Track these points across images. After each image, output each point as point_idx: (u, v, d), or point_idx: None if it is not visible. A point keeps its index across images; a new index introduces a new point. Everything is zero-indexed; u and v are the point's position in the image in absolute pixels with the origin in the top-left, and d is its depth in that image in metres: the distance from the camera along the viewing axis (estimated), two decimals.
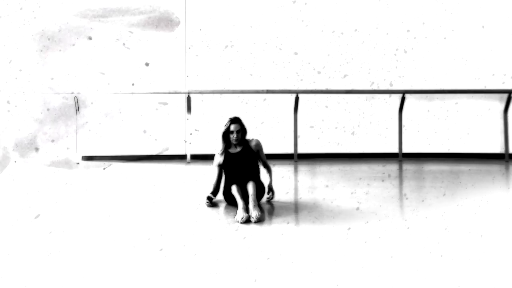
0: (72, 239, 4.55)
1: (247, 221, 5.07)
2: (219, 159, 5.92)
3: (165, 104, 8.65)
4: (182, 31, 9.46)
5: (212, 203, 5.80)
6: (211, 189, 5.91)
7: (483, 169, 8.39)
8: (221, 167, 5.92)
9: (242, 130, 5.86)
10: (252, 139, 6.01)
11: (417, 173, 8.34)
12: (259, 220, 5.09)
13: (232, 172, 5.82)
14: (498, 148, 9.62)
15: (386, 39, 9.58)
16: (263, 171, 6.08)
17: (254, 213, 5.16)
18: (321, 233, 4.71)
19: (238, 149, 5.89)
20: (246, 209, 5.27)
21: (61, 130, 9.22)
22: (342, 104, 9.64)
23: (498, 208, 5.70)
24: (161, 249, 4.22)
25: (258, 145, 5.99)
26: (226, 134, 5.86)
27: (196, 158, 9.26)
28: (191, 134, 9.40)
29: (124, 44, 9.24)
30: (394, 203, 5.99)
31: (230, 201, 5.77)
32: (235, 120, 5.86)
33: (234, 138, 5.80)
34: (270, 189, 6.03)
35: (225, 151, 5.89)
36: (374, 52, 9.58)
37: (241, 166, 5.81)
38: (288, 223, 5.07)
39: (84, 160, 9.24)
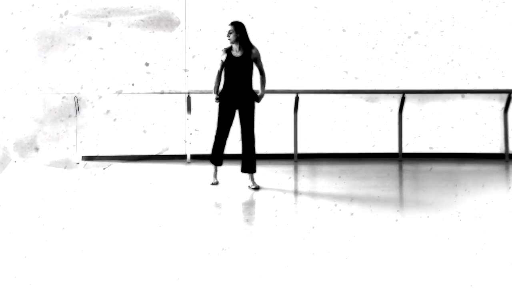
0: (73, 241, 4.55)
1: (216, 183, 6.87)
2: (222, 56, 6.74)
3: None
4: (182, 31, 9.45)
5: (219, 99, 6.78)
6: (213, 88, 6.81)
7: (483, 169, 8.40)
8: (223, 65, 6.74)
9: (236, 31, 6.57)
10: (254, 46, 6.75)
11: (417, 173, 8.34)
12: (257, 188, 6.64)
13: (230, 74, 6.68)
14: (498, 148, 9.61)
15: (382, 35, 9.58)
16: (257, 78, 6.84)
17: (253, 184, 6.69)
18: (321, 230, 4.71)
19: (240, 53, 6.67)
20: (215, 175, 6.94)
21: (61, 130, 9.22)
22: (342, 104, 9.63)
23: (498, 209, 5.70)
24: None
25: (257, 53, 6.73)
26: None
27: (196, 158, 9.25)
28: (191, 134, 9.40)
29: (124, 44, 9.24)
30: (393, 203, 5.99)
31: (222, 104, 6.75)
32: (230, 23, 6.71)
33: (228, 38, 6.62)
34: (261, 97, 6.88)
35: (229, 53, 6.68)
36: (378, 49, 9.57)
37: (238, 70, 6.65)
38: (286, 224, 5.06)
39: (84, 160, 9.24)
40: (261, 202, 6.10)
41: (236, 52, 6.68)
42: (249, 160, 6.74)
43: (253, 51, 6.70)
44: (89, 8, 9.25)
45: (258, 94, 6.86)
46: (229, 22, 6.75)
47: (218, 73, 6.82)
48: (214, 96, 6.84)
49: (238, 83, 6.68)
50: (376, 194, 6.38)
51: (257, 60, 6.75)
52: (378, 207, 5.63)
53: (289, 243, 4.45)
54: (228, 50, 6.70)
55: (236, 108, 6.76)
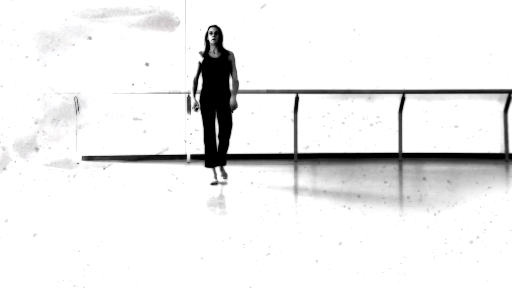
0: (72, 240, 4.56)
1: (215, 183, 7.00)
2: (200, 58, 7.01)
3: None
4: (182, 31, 9.46)
5: (197, 104, 7.01)
6: (191, 89, 7.07)
7: (483, 169, 8.40)
8: (200, 65, 7.01)
9: (219, 34, 6.95)
10: (229, 51, 7.10)
11: (417, 173, 8.35)
12: (225, 176, 7.18)
13: (208, 75, 6.97)
14: (498, 148, 9.62)
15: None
16: (231, 83, 7.07)
17: (224, 174, 7.19)
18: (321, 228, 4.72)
19: (217, 55, 6.99)
20: (215, 176, 7.11)
21: (61, 130, 9.22)
22: (342, 104, 9.63)
23: (498, 209, 5.70)
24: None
25: (233, 57, 7.08)
26: (206, 37, 6.97)
27: (196, 158, 9.25)
28: (191, 134, 9.40)
29: (124, 44, 9.24)
30: (394, 203, 5.99)
31: (202, 106, 6.99)
32: (214, 25, 7.02)
33: (212, 38, 6.90)
34: (234, 105, 6.99)
35: (206, 55, 6.98)
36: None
37: (216, 70, 6.95)
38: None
39: (84, 160, 9.24)
40: (260, 201, 6.10)
41: (214, 54, 7.00)
42: (222, 154, 7.13)
43: (230, 52, 7.06)
44: (89, 8, 9.25)
45: (231, 101, 6.99)
46: (212, 24, 7.06)
47: (195, 79, 7.08)
48: (192, 102, 7.03)
49: (217, 83, 6.97)
50: (376, 194, 6.38)
51: (232, 63, 7.05)
52: (379, 207, 5.63)
53: (288, 243, 4.44)
54: (205, 52, 7.00)
55: (215, 108, 7.03)
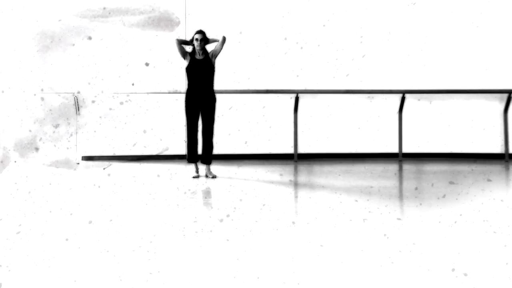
0: (70, 238, 4.56)
1: (197, 177, 7.51)
2: (188, 51, 7.53)
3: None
4: (182, 31, 9.45)
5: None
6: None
7: (483, 169, 8.40)
8: (184, 54, 7.50)
9: (205, 40, 7.43)
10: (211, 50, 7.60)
11: (417, 173, 8.35)
12: (214, 177, 7.48)
13: (194, 76, 7.46)
14: (498, 148, 9.62)
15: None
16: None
17: (210, 174, 7.54)
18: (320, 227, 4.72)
19: (201, 57, 7.48)
20: (197, 171, 7.62)
21: (61, 130, 9.22)
22: (342, 104, 9.63)
23: (498, 209, 5.70)
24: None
25: (212, 50, 7.54)
26: (192, 41, 7.46)
27: None
28: None
29: (124, 44, 9.24)
30: (394, 203, 5.99)
31: (188, 105, 7.51)
32: (199, 31, 7.47)
33: (198, 44, 7.40)
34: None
35: (192, 57, 7.47)
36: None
37: (201, 71, 7.44)
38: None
39: (84, 160, 9.24)
40: (259, 199, 6.11)
41: (199, 56, 7.49)
42: (207, 153, 7.57)
43: (210, 50, 7.52)
44: (89, 8, 9.25)
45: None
46: (197, 31, 7.50)
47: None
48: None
49: (202, 84, 7.48)
50: (376, 193, 6.38)
51: (213, 52, 7.49)
52: (378, 207, 5.63)
53: (286, 241, 4.45)
54: (191, 54, 7.50)
55: (200, 108, 7.52)
